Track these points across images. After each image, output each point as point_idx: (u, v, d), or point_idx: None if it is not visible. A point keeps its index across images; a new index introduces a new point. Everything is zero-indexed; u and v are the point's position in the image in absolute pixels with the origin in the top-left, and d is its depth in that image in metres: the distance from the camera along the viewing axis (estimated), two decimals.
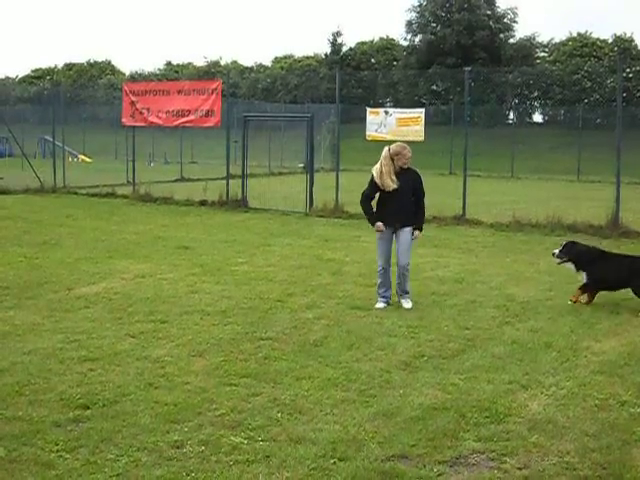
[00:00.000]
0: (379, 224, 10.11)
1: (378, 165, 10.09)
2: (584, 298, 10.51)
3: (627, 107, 40.02)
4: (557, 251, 10.73)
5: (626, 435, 5.97)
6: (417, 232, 10.34)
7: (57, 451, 5.56)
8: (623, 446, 5.76)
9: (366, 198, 10.23)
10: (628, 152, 19.70)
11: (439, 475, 5.30)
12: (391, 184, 9.94)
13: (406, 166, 10.08)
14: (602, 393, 6.93)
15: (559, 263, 10.75)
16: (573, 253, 10.61)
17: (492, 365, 7.74)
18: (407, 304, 10.22)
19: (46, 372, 7.32)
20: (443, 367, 7.68)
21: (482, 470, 5.38)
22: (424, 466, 5.41)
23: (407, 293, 10.34)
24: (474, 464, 5.48)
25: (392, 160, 10.02)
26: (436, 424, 6.13)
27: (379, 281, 10.37)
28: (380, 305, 10.19)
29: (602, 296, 10.97)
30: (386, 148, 10.09)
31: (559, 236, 16.89)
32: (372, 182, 10.16)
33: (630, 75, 54.75)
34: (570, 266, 10.69)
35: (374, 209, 10.28)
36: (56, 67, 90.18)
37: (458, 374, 7.45)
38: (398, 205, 10.07)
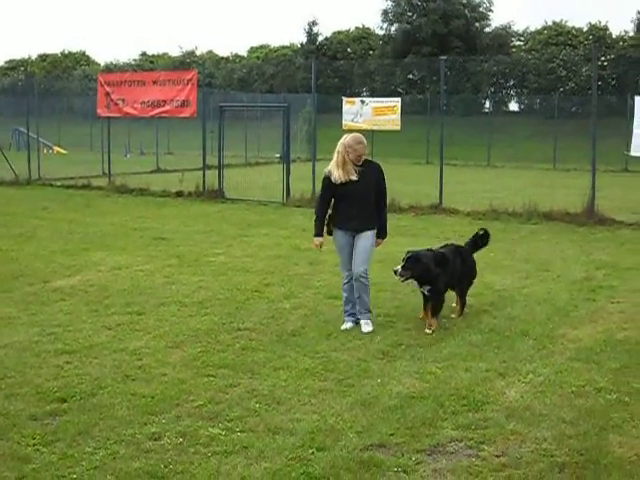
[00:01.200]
0: (317, 240, 8.89)
1: (332, 160, 8.77)
2: (434, 322, 8.71)
3: (602, 95, 40.31)
4: (399, 268, 8.68)
5: (603, 421, 6.01)
6: (380, 240, 9.03)
7: (34, 445, 5.52)
8: (600, 432, 5.80)
9: (322, 202, 8.93)
10: (603, 140, 19.83)
11: (417, 464, 5.31)
12: (349, 176, 8.55)
13: (359, 162, 8.65)
14: (579, 380, 6.97)
15: (402, 281, 8.79)
16: (417, 269, 8.67)
17: (469, 353, 7.77)
18: (367, 327, 8.65)
19: (22, 365, 7.27)
20: (421, 356, 7.69)
21: (460, 458, 5.40)
22: (402, 455, 5.42)
23: (368, 312, 8.81)
24: (452, 452, 5.50)
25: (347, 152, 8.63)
26: (414, 413, 6.14)
27: (345, 296, 8.96)
28: (347, 325, 8.74)
29: (577, 282, 11.04)
30: (342, 139, 8.71)
31: (535, 224, 17.00)
32: (326, 181, 8.80)
33: (605, 64, 54.99)
34: (414, 282, 8.94)
35: (327, 216, 8.96)
36: (30, 58, 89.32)
37: (436, 363, 7.46)
38: (357, 207, 8.70)
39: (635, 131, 17.56)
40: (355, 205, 8.69)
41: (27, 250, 13.33)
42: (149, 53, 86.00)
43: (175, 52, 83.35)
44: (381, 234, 8.99)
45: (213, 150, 25.76)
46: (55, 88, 55.97)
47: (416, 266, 8.67)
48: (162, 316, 9.12)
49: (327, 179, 8.75)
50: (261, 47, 78.55)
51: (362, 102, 25.26)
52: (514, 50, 67.17)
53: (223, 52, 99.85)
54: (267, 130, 35.08)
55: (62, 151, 44.46)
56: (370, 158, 9.05)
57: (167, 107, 22.55)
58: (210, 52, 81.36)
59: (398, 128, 23.95)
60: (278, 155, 33.19)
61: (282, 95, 46.50)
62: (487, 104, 59.77)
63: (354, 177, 8.57)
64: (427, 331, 8.49)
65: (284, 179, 21.24)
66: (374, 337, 8.26)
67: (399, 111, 23.67)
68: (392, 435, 5.74)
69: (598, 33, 61.40)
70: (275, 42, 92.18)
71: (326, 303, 9.75)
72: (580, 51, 57.35)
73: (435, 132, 27.27)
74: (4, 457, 5.33)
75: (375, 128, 26.56)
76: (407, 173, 31.51)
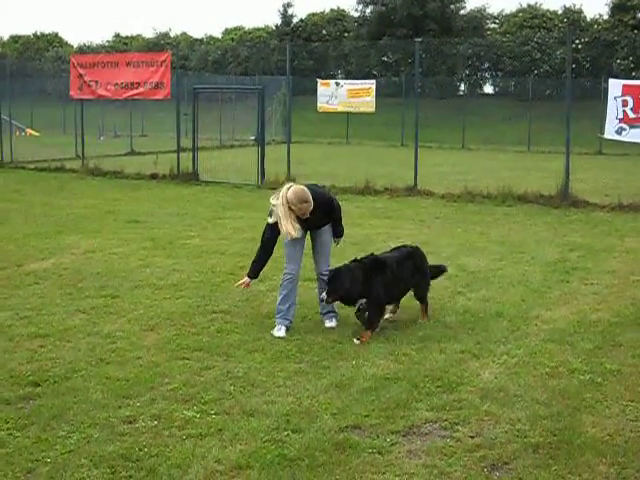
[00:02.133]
0: (247, 280, 8.21)
1: (276, 208, 7.80)
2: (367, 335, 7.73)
3: (576, 78, 40.44)
4: (324, 295, 7.85)
5: (576, 402, 6.05)
6: (338, 238, 8.48)
7: (7, 429, 5.49)
8: (573, 413, 5.85)
9: (264, 249, 8.10)
10: (577, 123, 19.90)
11: (392, 445, 5.32)
12: (292, 232, 7.76)
13: (306, 216, 7.81)
14: (552, 361, 7.02)
15: (331, 302, 7.97)
16: (341, 290, 7.80)
17: (444, 335, 7.79)
18: (331, 322, 8.18)
19: None
20: (395, 338, 7.71)
21: (435, 439, 5.43)
22: (377, 436, 5.44)
23: (333, 311, 8.25)
24: (427, 433, 5.53)
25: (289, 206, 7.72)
26: (389, 394, 6.16)
27: (282, 294, 8.05)
28: (280, 333, 7.80)
29: (551, 264, 11.10)
30: (284, 188, 7.79)
31: (510, 206, 17.07)
32: (268, 229, 8.04)
33: (579, 47, 55.21)
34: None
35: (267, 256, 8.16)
36: (2, 39, 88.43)
37: (410, 344, 7.49)
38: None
39: (608, 114, 17.64)
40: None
41: (0, 233, 13.21)
42: (123, 35, 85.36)
43: (149, 34, 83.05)
44: (337, 235, 8.43)
45: (187, 132, 25.64)
46: (27, 70, 55.37)
47: (339, 286, 7.78)
48: (136, 299, 9.08)
49: (270, 225, 7.95)
50: (235, 29, 78.15)
51: (337, 84, 25.26)
52: (489, 33, 67.26)
53: (197, 34, 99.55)
54: (242, 112, 34.93)
55: (35, 133, 44.06)
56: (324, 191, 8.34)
57: (141, 89, 22.38)
58: (184, 34, 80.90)
59: (373, 110, 23.99)
60: (253, 137, 33.10)
61: (257, 77, 46.29)
62: (462, 87, 60.01)
63: (296, 235, 7.79)
64: (355, 341, 7.55)
65: (259, 162, 21.18)
66: (348, 319, 8.26)
67: (374, 93, 23.69)
68: (367, 417, 5.75)
69: (572, 16, 61.55)
70: (250, 24, 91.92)
71: (301, 285, 9.69)
72: (555, 34, 57.50)
73: (410, 115, 27.32)
74: None
75: (350, 110, 26.59)
76: (382, 156, 31.51)
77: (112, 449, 5.20)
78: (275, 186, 19.81)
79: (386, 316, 8.22)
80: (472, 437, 5.45)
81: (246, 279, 8.21)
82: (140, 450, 5.19)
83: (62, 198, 18.07)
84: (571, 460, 5.09)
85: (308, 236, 8.29)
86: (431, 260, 11.30)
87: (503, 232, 13.88)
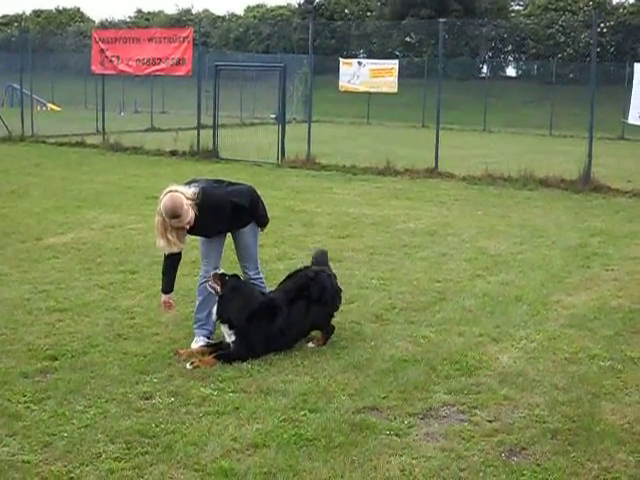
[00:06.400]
0: (165, 297, 6.90)
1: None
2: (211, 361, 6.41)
3: (601, 62, 40.05)
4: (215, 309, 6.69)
5: (595, 388, 6.00)
6: (260, 228, 7.18)
7: (24, 402, 5.51)
8: (592, 399, 5.80)
9: (167, 260, 6.83)
10: (601, 107, 19.67)
11: (409, 427, 5.30)
12: (167, 248, 6.59)
13: (187, 228, 6.55)
14: (572, 347, 6.97)
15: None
16: (227, 312, 6.61)
17: (463, 318, 7.75)
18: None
19: (13, 323, 7.24)
20: (414, 320, 7.67)
21: (452, 422, 5.39)
22: (395, 418, 5.42)
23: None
24: (445, 416, 5.49)
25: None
26: (407, 376, 6.13)
27: (199, 299, 7.00)
28: (198, 345, 6.79)
29: (572, 249, 11.01)
30: (162, 194, 6.48)
31: (531, 190, 16.94)
32: None
33: (604, 30, 54.64)
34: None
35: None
36: (24, 14, 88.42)
37: (429, 327, 7.45)
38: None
39: (633, 99, 17.45)
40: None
41: (20, 207, 13.24)
42: (144, 10, 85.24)
43: (171, 10, 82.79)
44: (260, 224, 7.14)
45: (208, 110, 25.55)
46: (49, 44, 55.37)
47: (228, 305, 6.59)
48: (155, 275, 9.05)
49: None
50: (258, 6, 77.86)
51: (359, 64, 25.11)
52: (513, 15, 66.73)
53: (219, 11, 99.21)
54: (262, 91, 34.80)
55: (56, 108, 44.13)
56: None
57: (162, 65, 22.31)
58: (206, 11, 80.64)
59: (395, 90, 23.84)
60: (273, 116, 33.00)
61: (278, 55, 46.14)
62: (484, 69, 59.47)
63: (175, 249, 6.60)
64: (187, 366, 6.26)
65: (279, 140, 21.11)
66: (368, 300, 8.22)
67: (396, 73, 23.53)
68: (384, 398, 5.73)
69: None
70: (272, 2, 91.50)
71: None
72: (580, 17, 56.91)
73: (431, 96, 27.13)
74: None
75: (372, 90, 26.46)
76: (403, 137, 31.38)
77: (129, 425, 5.19)
78: (295, 165, 19.98)
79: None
80: (490, 421, 5.41)
81: (163, 297, 6.91)
82: (157, 426, 5.18)
83: (82, 173, 18.10)
84: (590, 447, 5.04)
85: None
86: (451, 242, 11.28)
87: (524, 216, 13.78)
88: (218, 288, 6.61)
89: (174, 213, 6.33)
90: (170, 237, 6.48)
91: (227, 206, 6.74)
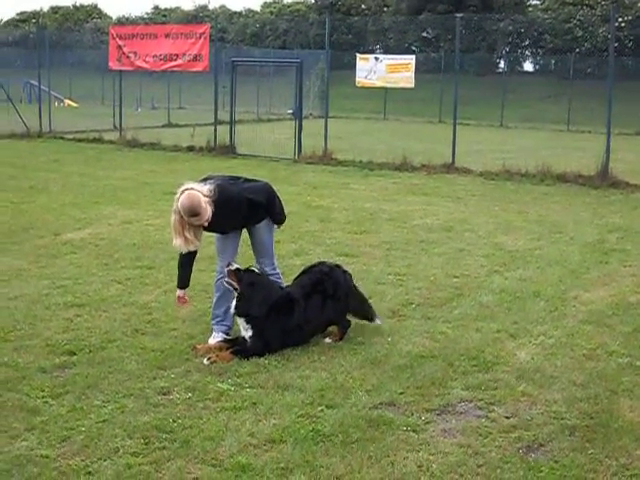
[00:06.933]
0: (179, 293, 6.92)
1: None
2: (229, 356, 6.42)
3: (619, 57, 39.79)
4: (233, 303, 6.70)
5: (613, 385, 5.97)
6: (277, 226, 7.17)
7: (43, 397, 5.53)
8: (610, 396, 5.77)
9: (181, 259, 6.88)
10: (619, 103, 19.56)
11: (427, 423, 5.29)
12: (184, 247, 6.59)
13: (205, 225, 6.58)
14: (590, 343, 6.94)
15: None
16: (246, 306, 6.59)
17: (480, 314, 7.73)
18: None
19: (32, 318, 7.27)
20: (431, 315, 7.66)
21: (470, 418, 5.38)
22: (412, 414, 5.41)
23: None
24: (462, 412, 5.48)
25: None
26: (424, 372, 6.12)
27: (216, 296, 7.01)
28: (214, 341, 6.80)
29: (590, 245, 10.96)
30: (179, 192, 6.45)
31: (548, 186, 16.88)
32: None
33: (622, 24, 54.28)
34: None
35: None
36: (42, 10, 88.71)
37: (446, 322, 7.43)
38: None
39: None
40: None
41: (38, 203, 13.31)
42: (161, 7, 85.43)
43: (188, 6, 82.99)
44: (276, 222, 7.12)
45: (225, 105, 25.59)
46: (66, 41, 55.55)
47: (247, 301, 6.57)
48: (172, 270, 9.04)
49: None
50: (274, 2, 77.86)
51: (376, 59, 24.98)
52: (530, 9, 66.37)
53: (236, 7, 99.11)
54: (279, 86, 34.84)
55: (73, 104, 44.31)
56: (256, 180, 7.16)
57: (179, 61, 22.35)
58: (223, 7, 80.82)
59: (412, 86, 23.70)
60: (290, 111, 33.00)
61: (295, 51, 46.11)
62: (502, 64, 59.23)
63: (191, 248, 6.62)
64: (205, 362, 6.27)
65: (296, 136, 21.11)
66: (384, 296, 8.22)
67: (413, 68, 23.40)
68: (402, 394, 5.72)
69: None
70: None
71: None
72: (597, 11, 56.49)
73: (448, 91, 27.06)
74: (13, 409, 5.34)
75: (388, 85, 26.35)
76: (419, 132, 31.33)
77: (146, 420, 5.21)
78: (311, 161, 19.98)
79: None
80: (508, 417, 5.39)
81: (179, 292, 6.93)
82: (174, 422, 5.20)
83: (99, 169, 18.15)
84: (608, 444, 5.02)
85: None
86: (469, 238, 11.26)
87: (541, 212, 13.72)
88: (235, 284, 6.61)
89: (193, 211, 6.33)
90: (188, 235, 6.48)
91: (243, 203, 6.72)
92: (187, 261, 6.82)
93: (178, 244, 6.57)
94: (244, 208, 6.75)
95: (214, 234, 7.07)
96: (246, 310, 6.56)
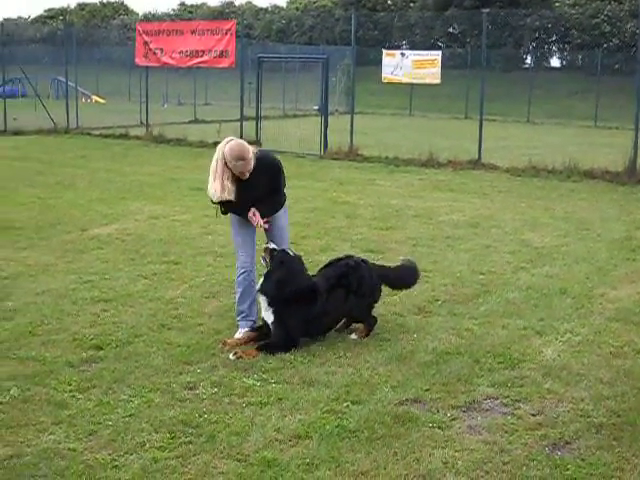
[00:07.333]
0: (251, 214, 6.94)
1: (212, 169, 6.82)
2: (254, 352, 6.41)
3: None
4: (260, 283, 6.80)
5: None
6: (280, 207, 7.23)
7: (70, 391, 5.57)
8: (638, 394, 5.73)
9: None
10: None
11: (453, 420, 5.28)
12: (221, 192, 6.71)
13: (245, 177, 6.74)
14: (617, 340, 6.89)
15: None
16: (273, 285, 6.67)
17: (506, 310, 7.69)
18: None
19: (59, 313, 7.32)
20: (457, 312, 7.64)
21: (496, 415, 5.36)
22: (438, 411, 5.40)
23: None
24: (488, 409, 5.46)
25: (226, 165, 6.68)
26: (450, 369, 6.11)
27: (239, 292, 6.98)
28: (242, 334, 6.82)
29: (617, 242, 10.87)
30: (222, 142, 6.82)
31: (575, 182, 16.76)
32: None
33: None
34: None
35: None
36: (69, 7, 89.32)
37: (472, 319, 7.41)
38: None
39: None
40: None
41: (65, 198, 13.39)
42: (188, 3, 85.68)
43: (214, 2, 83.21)
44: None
45: (251, 101, 25.67)
46: (93, 37, 55.88)
47: (272, 280, 6.66)
48: (198, 266, 9.13)
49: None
50: None
51: (402, 55, 25.01)
52: (557, 4, 65.87)
53: (262, 3, 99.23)
54: (305, 82, 34.89)
55: (100, 100, 44.57)
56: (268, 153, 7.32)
57: (205, 57, 22.42)
58: (249, 3, 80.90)
59: (438, 81, 23.72)
60: (316, 107, 33.00)
61: (321, 47, 46.09)
62: (528, 59, 58.88)
63: (231, 197, 6.73)
64: (231, 357, 6.29)
65: (322, 131, 21.11)
66: (410, 292, 8.18)
67: (439, 64, 23.40)
68: (427, 390, 5.71)
69: None
70: None
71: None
72: (625, 6, 55.99)
73: (475, 87, 26.93)
74: (41, 403, 5.38)
75: (414, 81, 26.34)
76: (445, 128, 31.20)
77: (172, 414, 5.23)
78: (337, 157, 19.97)
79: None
80: (534, 415, 5.37)
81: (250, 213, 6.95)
82: (200, 416, 5.22)
83: (126, 164, 18.25)
84: (635, 442, 4.98)
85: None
86: (495, 234, 11.21)
87: (568, 208, 13.64)
88: (269, 260, 6.78)
89: (241, 155, 6.57)
90: (226, 182, 6.67)
91: (277, 166, 6.96)
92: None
93: (214, 190, 6.73)
94: (276, 172, 6.96)
95: (231, 231, 7.23)
96: (269, 288, 6.62)
